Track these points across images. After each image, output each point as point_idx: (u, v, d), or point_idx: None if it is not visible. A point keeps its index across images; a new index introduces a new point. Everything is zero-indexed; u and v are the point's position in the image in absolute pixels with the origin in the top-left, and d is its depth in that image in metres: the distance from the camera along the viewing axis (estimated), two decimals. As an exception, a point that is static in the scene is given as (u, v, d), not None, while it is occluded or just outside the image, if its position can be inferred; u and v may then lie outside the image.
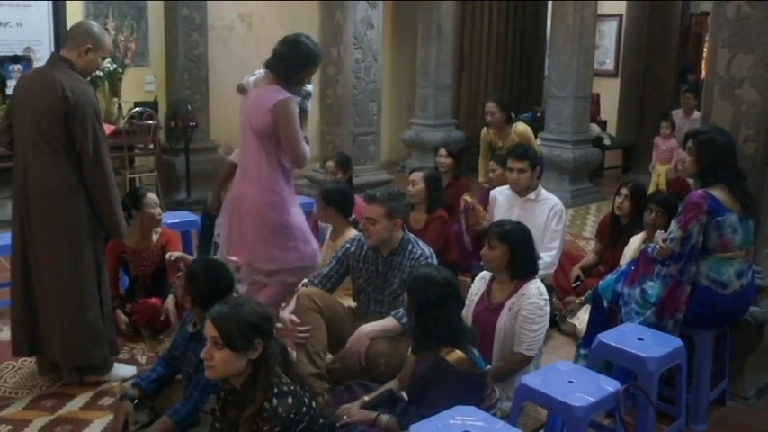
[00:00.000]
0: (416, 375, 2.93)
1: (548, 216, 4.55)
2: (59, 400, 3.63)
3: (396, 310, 3.58)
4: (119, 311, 4.44)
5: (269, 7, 8.78)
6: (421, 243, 3.76)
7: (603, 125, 10.51)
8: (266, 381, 2.36)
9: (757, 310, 3.63)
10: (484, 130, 6.26)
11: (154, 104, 7.62)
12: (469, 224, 5.04)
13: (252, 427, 2.33)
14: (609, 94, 10.78)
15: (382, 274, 3.74)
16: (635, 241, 4.52)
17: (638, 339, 3.23)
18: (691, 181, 6.93)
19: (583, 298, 4.65)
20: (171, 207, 7.35)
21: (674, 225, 3.43)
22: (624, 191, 4.87)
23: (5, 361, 3.98)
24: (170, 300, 4.29)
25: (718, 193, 3.36)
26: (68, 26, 7.09)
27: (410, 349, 3.21)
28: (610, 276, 3.80)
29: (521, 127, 6.08)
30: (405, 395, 3.07)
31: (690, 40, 11.70)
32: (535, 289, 3.42)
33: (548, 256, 4.44)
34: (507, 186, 4.86)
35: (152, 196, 4.53)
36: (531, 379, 2.85)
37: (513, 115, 6.23)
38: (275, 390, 2.34)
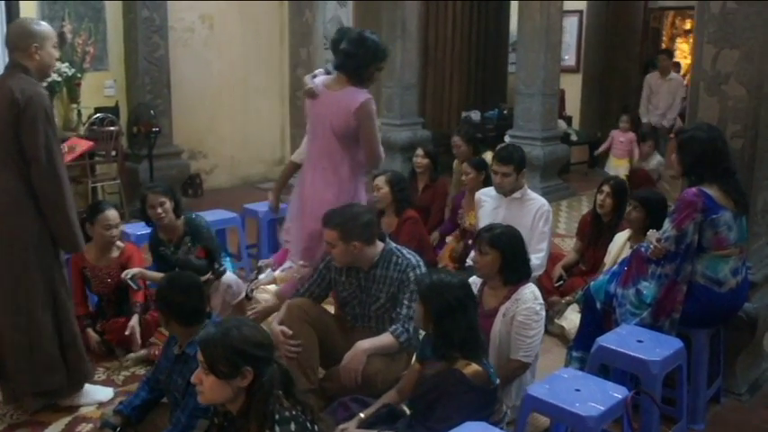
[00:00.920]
0: (425, 387, 2.82)
1: (534, 216, 4.47)
2: (32, 430, 3.43)
3: (393, 327, 3.43)
4: (89, 330, 4.24)
5: (230, 8, 8.60)
6: (405, 251, 3.62)
7: (569, 121, 10.55)
8: (260, 411, 2.19)
9: (749, 305, 3.61)
10: (455, 162, 6.29)
11: (115, 110, 7.40)
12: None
13: None
14: (570, 90, 10.84)
15: (365, 288, 3.59)
16: (620, 239, 4.48)
17: (638, 342, 3.17)
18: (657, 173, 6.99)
19: (569, 298, 4.62)
20: (135, 215, 7.10)
21: (667, 224, 3.38)
22: (606, 188, 4.82)
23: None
24: (134, 319, 4.13)
25: (711, 190, 3.32)
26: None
27: (414, 358, 3.09)
28: (602, 277, 3.74)
29: (489, 156, 5.96)
30: (406, 409, 2.96)
31: (649, 35, 11.82)
32: (530, 293, 3.33)
33: (536, 258, 4.35)
34: (492, 188, 4.78)
35: (109, 215, 4.23)
36: (537, 389, 2.76)
37: (478, 146, 6.29)
38: (276, 416, 2.19)
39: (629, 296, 3.50)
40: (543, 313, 3.33)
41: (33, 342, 3.39)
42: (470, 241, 4.70)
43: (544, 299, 4.60)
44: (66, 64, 6.96)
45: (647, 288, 3.44)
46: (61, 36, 7.09)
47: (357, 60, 3.64)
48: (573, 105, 11.09)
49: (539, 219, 4.46)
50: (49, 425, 3.47)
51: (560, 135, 8.81)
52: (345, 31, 4.12)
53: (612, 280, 3.62)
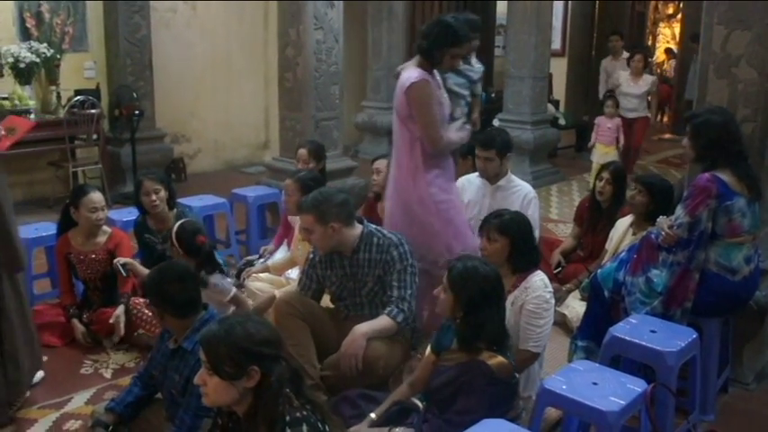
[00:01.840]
0: (446, 379, 2.71)
1: (521, 204, 4.32)
2: (18, 428, 3.28)
3: (389, 308, 3.35)
4: (75, 321, 4.09)
5: (214, -13, 8.37)
6: (385, 231, 3.53)
7: (556, 104, 10.46)
8: (268, 412, 2.05)
9: (759, 294, 3.53)
10: None
11: (95, 92, 7.18)
12: None
13: None
14: (556, 74, 10.73)
15: (352, 275, 3.50)
16: (621, 225, 4.39)
17: (651, 332, 3.07)
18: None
19: (570, 285, 4.53)
20: (117, 201, 6.97)
21: (680, 210, 3.27)
22: (605, 174, 4.73)
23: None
24: (120, 309, 3.96)
25: (725, 175, 3.22)
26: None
27: (429, 348, 2.96)
28: (609, 264, 3.63)
29: None
30: (418, 402, 2.84)
31: (635, 20, 11.75)
32: (539, 281, 3.21)
33: None
34: (476, 174, 4.64)
35: (94, 198, 4.06)
36: (553, 383, 2.65)
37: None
38: (287, 418, 2.05)
39: (639, 284, 3.40)
40: (553, 302, 3.21)
41: None
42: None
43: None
44: (45, 45, 6.72)
45: (658, 276, 3.34)
46: (39, 16, 6.86)
47: (428, 41, 3.62)
48: (559, 89, 11.00)
49: (526, 206, 4.32)
50: (36, 422, 3.32)
51: (550, 119, 8.72)
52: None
53: (621, 267, 3.52)
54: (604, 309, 3.55)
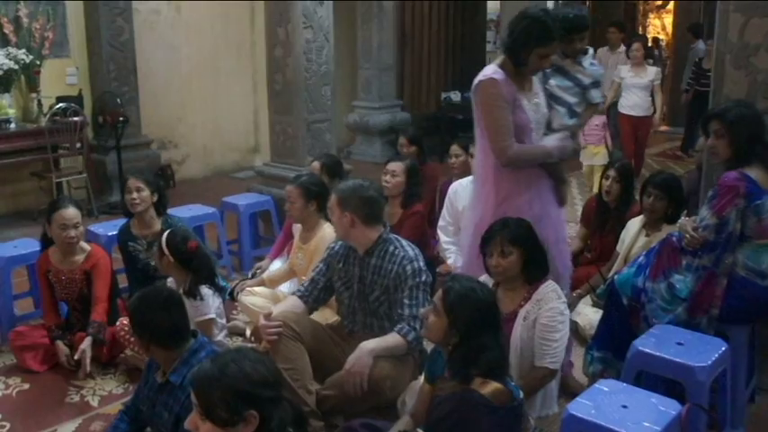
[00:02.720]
0: (441, 411, 2.48)
1: (471, 201, 4.13)
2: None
3: (400, 326, 3.12)
4: (59, 343, 3.83)
5: (198, -13, 8.12)
6: (404, 242, 3.32)
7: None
8: None
9: (786, 297, 3.31)
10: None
11: (78, 99, 6.93)
12: None
13: None
14: (551, 68, 10.54)
15: (362, 277, 3.29)
16: (633, 226, 4.18)
17: (678, 344, 2.85)
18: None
19: (581, 291, 4.32)
20: (104, 211, 6.74)
21: (705, 211, 3.06)
22: (612, 173, 4.52)
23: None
24: (86, 342, 3.68)
25: (754, 173, 3.00)
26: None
27: (423, 378, 2.76)
28: (627, 269, 3.41)
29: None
30: (423, 434, 2.62)
31: (628, 10, 11.57)
32: (552, 292, 3.00)
33: None
34: (471, 178, 4.39)
35: (65, 214, 3.76)
36: (579, 407, 2.43)
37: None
38: None
39: (660, 290, 3.18)
40: (568, 312, 3.00)
41: None
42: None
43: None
44: (24, 50, 6.46)
45: (681, 281, 3.13)
46: (16, 21, 6.59)
47: (511, 39, 3.09)
48: (553, 84, 10.81)
49: None
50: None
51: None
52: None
53: (640, 273, 3.29)
54: (622, 317, 3.32)
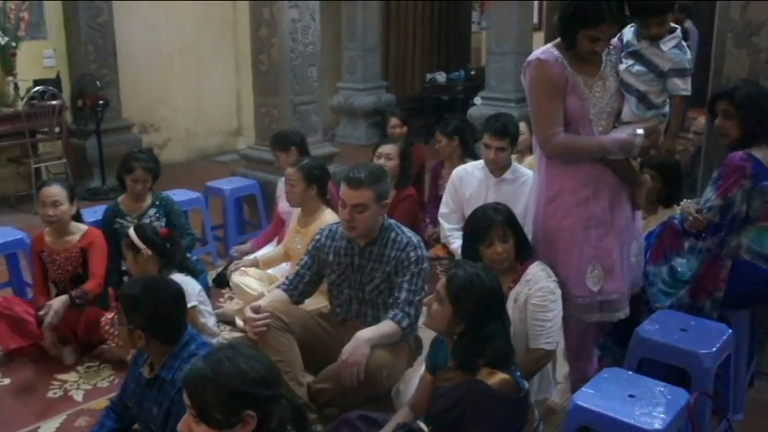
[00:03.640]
0: (446, 402, 2.40)
1: (529, 195, 4.02)
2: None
3: (393, 312, 3.04)
4: (47, 327, 3.66)
5: (178, -34, 7.90)
6: (405, 229, 3.23)
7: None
8: None
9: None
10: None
11: (56, 82, 6.73)
12: None
13: None
14: (534, 48, 10.42)
15: (360, 267, 3.19)
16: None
17: (682, 330, 2.78)
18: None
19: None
20: (84, 197, 6.56)
21: (710, 192, 2.98)
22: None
23: None
24: (61, 298, 3.55)
25: (760, 153, 2.93)
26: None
27: (423, 368, 2.67)
28: (626, 253, 3.33)
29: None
30: (424, 427, 2.53)
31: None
32: (541, 271, 2.88)
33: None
34: (476, 164, 4.30)
35: (47, 191, 3.70)
36: (585, 398, 2.35)
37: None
38: None
39: (662, 274, 3.11)
40: (559, 291, 2.87)
41: None
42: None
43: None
44: (-1, 32, 6.25)
45: (683, 264, 3.06)
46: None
47: (560, 18, 2.78)
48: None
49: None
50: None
51: (534, 95, 8.41)
52: None
53: (640, 257, 3.22)
54: (622, 302, 3.26)
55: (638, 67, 2.76)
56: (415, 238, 3.18)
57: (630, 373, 2.56)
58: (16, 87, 6.49)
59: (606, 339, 3.27)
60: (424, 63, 10.07)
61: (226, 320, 4.07)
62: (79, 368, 3.64)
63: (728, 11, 3.35)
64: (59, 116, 6.43)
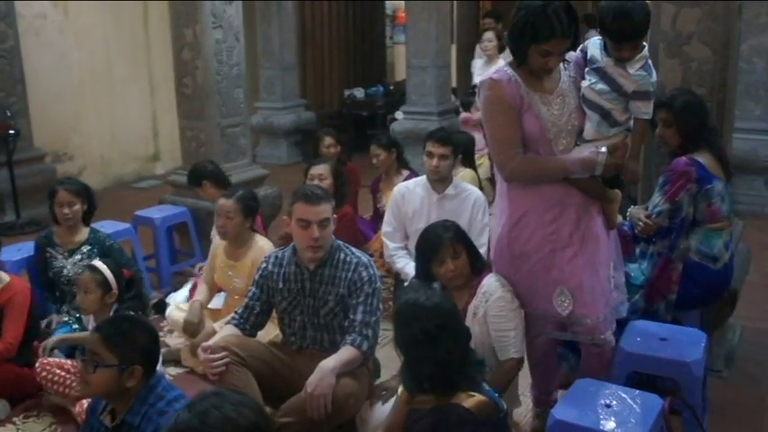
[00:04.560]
0: (423, 426, 2.35)
1: (471, 211, 4.05)
2: None
3: (351, 338, 2.98)
4: None
5: (85, -11, 7.62)
6: (353, 249, 3.19)
7: (455, 92, 10.28)
8: None
9: (730, 279, 3.38)
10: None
11: (-40, 112, 6.32)
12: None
13: None
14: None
15: (312, 291, 3.11)
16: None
17: (662, 340, 2.82)
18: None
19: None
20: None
21: (658, 197, 3.08)
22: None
23: None
24: None
25: (702, 158, 3.04)
26: None
27: (399, 392, 2.61)
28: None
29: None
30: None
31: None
32: (495, 282, 2.88)
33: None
34: (417, 180, 4.29)
35: None
36: (564, 411, 2.36)
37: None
38: None
39: (615, 280, 3.17)
40: (516, 301, 2.86)
41: None
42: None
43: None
44: None
45: (636, 269, 3.16)
46: None
47: (510, 34, 2.66)
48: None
49: (477, 211, 4.05)
50: None
51: (455, 108, 8.51)
52: None
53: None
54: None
55: (600, 86, 2.63)
56: (364, 258, 3.14)
57: (602, 382, 2.58)
58: None
59: (564, 350, 3.31)
60: (341, 79, 10.06)
61: (172, 358, 3.91)
62: (16, 420, 3.40)
63: (659, 22, 3.47)
64: (-34, 149, 6.07)
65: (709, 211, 3.07)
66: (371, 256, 3.95)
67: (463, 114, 6.90)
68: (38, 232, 6.13)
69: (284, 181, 6.58)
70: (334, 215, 3.12)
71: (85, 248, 3.98)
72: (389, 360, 3.22)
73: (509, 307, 2.84)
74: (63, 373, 3.38)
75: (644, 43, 2.64)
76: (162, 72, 8.27)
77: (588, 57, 2.71)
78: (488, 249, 4.02)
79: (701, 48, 3.38)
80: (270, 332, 3.49)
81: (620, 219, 3.57)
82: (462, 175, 4.99)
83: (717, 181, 3.06)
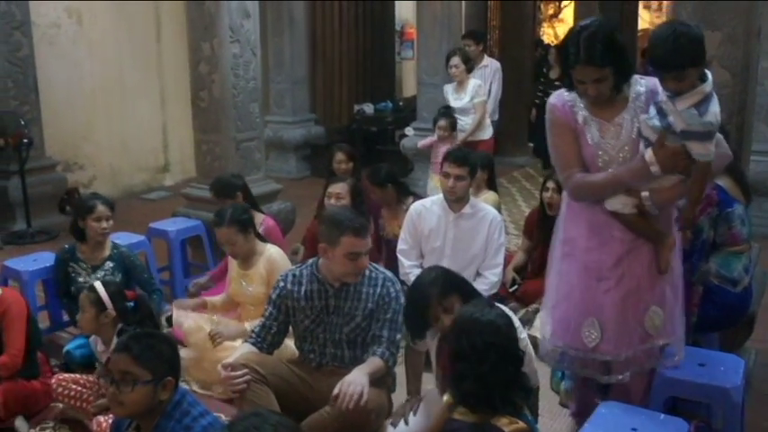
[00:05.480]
0: None
1: (488, 230, 4.04)
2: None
3: (381, 350, 3.02)
4: None
5: (99, -1, 7.67)
6: (378, 265, 3.21)
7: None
8: None
9: (748, 302, 3.39)
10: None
11: (-26, 121, 6.35)
12: None
13: None
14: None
15: (336, 308, 3.12)
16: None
17: (700, 366, 2.81)
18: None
19: (536, 305, 4.28)
20: (9, 241, 6.25)
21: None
22: (550, 184, 4.51)
23: None
24: None
25: (722, 181, 3.06)
26: None
27: (445, 398, 2.59)
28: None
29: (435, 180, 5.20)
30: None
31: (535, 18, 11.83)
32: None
33: (493, 275, 4.03)
34: (434, 199, 4.29)
35: None
36: (591, 435, 2.36)
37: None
38: None
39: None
40: (525, 335, 2.88)
41: None
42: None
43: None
44: None
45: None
46: None
47: None
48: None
49: (493, 230, 4.04)
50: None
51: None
52: None
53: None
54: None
55: (654, 121, 2.51)
56: (389, 273, 3.17)
57: (625, 405, 2.58)
58: (-69, 127, 6.12)
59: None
60: (351, 94, 10.09)
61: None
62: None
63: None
64: (-22, 157, 6.10)
65: (729, 235, 3.09)
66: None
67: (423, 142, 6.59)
68: (48, 242, 6.21)
69: (293, 195, 6.61)
70: None
71: (108, 264, 4.01)
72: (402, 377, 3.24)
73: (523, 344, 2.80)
74: (79, 388, 3.39)
75: (705, 77, 2.45)
76: (173, 84, 8.33)
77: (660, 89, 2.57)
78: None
79: (720, 72, 3.41)
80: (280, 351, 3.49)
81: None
82: (485, 197, 4.98)
83: (737, 204, 3.08)
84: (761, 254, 3.81)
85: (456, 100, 6.39)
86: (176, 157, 8.72)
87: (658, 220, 2.64)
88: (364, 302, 3.08)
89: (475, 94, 6.29)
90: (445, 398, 2.49)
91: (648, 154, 2.50)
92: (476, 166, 4.14)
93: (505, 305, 3.20)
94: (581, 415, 3.02)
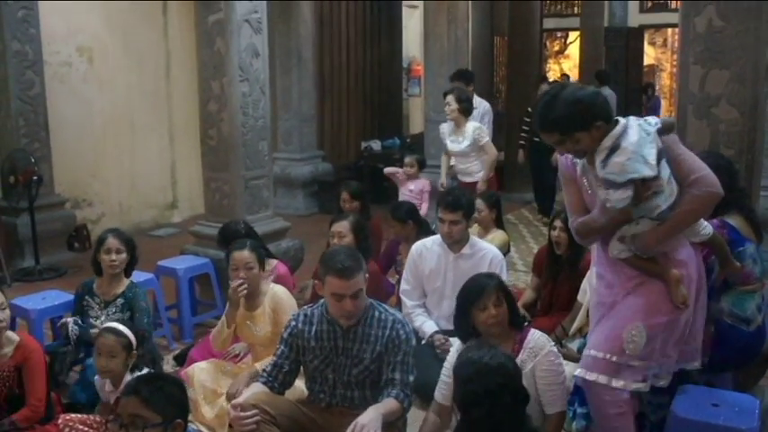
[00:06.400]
0: None
1: (489, 269, 4.01)
2: None
3: (396, 391, 2.98)
4: None
5: (110, 39, 7.80)
6: (386, 306, 3.18)
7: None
8: None
9: (760, 340, 3.36)
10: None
11: (-16, 158, 6.42)
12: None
13: None
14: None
15: (345, 350, 3.09)
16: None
17: (714, 406, 2.79)
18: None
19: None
20: (17, 278, 6.24)
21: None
22: (558, 223, 4.48)
23: None
24: None
25: (733, 220, 3.05)
26: None
27: None
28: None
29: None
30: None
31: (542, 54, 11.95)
32: (540, 336, 3.04)
33: None
34: (435, 239, 4.27)
35: None
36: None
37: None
38: None
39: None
40: (560, 354, 3.08)
41: None
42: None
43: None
44: None
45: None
46: None
47: None
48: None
49: (494, 269, 3.99)
50: None
51: (473, 163, 8.57)
52: None
53: (622, 325, 3.26)
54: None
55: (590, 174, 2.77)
56: (399, 315, 3.14)
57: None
58: (-57, 165, 6.18)
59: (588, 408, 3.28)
60: (358, 131, 10.18)
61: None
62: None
63: (687, 84, 3.52)
64: (-11, 194, 6.14)
65: (741, 274, 3.07)
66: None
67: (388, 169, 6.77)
68: (56, 279, 6.22)
69: (301, 232, 6.61)
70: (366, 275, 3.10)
71: (120, 302, 3.99)
72: (413, 419, 3.24)
73: (557, 362, 3.00)
74: (86, 429, 3.34)
75: (612, 133, 2.59)
76: (182, 121, 8.41)
77: None
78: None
79: (729, 109, 3.43)
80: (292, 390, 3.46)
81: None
82: (493, 237, 4.98)
83: (749, 243, 3.06)
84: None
85: (453, 143, 6.16)
86: (184, 194, 8.76)
87: (657, 260, 2.75)
88: (372, 345, 3.04)
89: (478, 138, 5.94)
90: None
91: (602, 192, 2.66)
92: (471, 207, 4.15)
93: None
94: None
